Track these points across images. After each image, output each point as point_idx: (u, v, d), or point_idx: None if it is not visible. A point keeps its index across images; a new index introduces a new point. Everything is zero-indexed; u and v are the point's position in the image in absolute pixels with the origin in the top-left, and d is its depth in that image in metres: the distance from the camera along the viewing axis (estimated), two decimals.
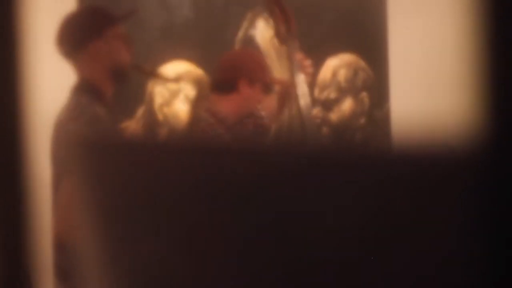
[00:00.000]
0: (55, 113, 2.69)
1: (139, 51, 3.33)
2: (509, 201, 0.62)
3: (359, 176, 0.67)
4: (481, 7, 0.64)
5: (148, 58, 3.52)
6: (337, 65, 4.21)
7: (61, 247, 2.62)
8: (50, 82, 3.04)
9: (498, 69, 0.64)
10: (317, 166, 0.68)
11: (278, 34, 3.32)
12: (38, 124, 0.98)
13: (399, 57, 4.31)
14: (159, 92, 3.72)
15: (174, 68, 3.64)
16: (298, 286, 0.68)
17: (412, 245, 0.66)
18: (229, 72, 3.24)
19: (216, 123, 3.19)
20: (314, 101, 3.90)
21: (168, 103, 3.73)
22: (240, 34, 3.92)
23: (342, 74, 4.22)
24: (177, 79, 2.82)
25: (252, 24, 3.94)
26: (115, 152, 0.82)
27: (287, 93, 3.41)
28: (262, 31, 3.96)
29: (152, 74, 2.83)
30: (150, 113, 3.69)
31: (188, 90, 3.52)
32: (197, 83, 2.81)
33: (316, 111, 3.93)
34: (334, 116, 4.20)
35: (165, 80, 2.87)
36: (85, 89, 2.67)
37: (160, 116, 3.72)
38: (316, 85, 4.07)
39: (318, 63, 3.61)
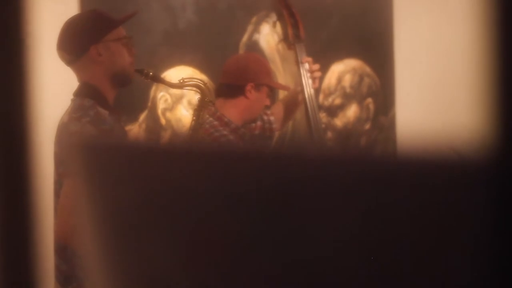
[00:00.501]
0: (58, 117, 2.69)
1: (142, 56, 3.33)
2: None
3: (364, 181, 0.66)
4: (488, 13, 0.64)
5: (152, 62, 3.52)
6: (342, 71, 4.21)
7: (63, 250, 2.62)
8: (54, 87, 3.04)
9: (504, 74, 0.64)
10: (322, 171, 0.68)
11: (286, 38, 3.33)
12: (43, 128, 0.98)
13: (405, 63, 4.31)
14: (162, 97, 3.72)
15: (177, 73, 3.65)
16: None
17: (413, 247, 0.65)
18: (236, 75, 3.24)
19: (221, 126, 3.19)
20: (319, 107, 3.90)
21: (171, 108, 3.74)
22: (245, 38, 3.92)
23: (347, 80, 4.22)
24: (181, 84, 2.81)
25: (256, 29, 3.95)
26: (117, 154, 0.81)
27: (296, 99, 3.41)
28: (267, 36, 3.96)
29: (155, 79, 2.82)
30: (153, 118, 3.70)
31: (191, 96, 3.52)
32: (201, 88, 2.81)
33: (321, 117, 3.93)
34: (339, 122, 4.20)
35: (169, 85, 2.86)
36: (87, 93, 2.67)
37: (163, 121, 3.72)
38: (321, 91, 4.07)
39: (323, 69, 3.61)
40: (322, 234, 0.68)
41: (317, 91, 3.82)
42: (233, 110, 3.23)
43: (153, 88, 3.70)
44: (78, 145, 0.88)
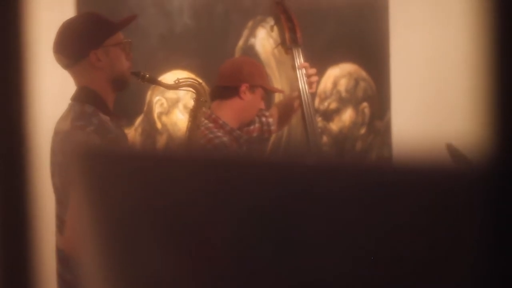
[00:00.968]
0: (55, 120, 2.66)
1: (139, 60, 3.33)
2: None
3: (359, 186, 0.66)
4: (482, 19, 0.64)
5: (148, 66, 3.52)
6: (338, 75, 4.21)
7: (67, 259, 2.58)
8: (52, 90, 3.04)
9: (500, 77, 0.64)
10: (318, 177, 0.68)
11: (283, 42, 3.33)
12: (41, 131, 0.98)
13: (400, 67, 4.31)
14: (158, 101, 3.72)
15: (174, 77, 3.65)
16: None
17: (411, 252, 0.66)
18: (230, 77, 3.25)
19: (215, 128, 3.20)
20: (315, 111, 3.91)
21: (167, 112, 3.74)
22: (240, 43, 3.93)
23: (343, 84, 4.22)
24: (176, 85, 2.80)
25: (252, 33, 3.95)
26: (122, 162, 0.81)
27: (293, 104, 3.42)
28: (262, 41, 3.96)
29: (152, 81, 2.81)
30: (149, 122, 3.70)
31: (187, 100, 3.53)
32: (196, 88, 2.81)
33: (317, 121, 3.93)
34: (334, 126, 4.20)
35: (164, 86, 2.85)
36: (87, 98, 2.62)
37: (159, 125, 3.72)
38: (317, 95, 4.07)
39: (319, 73, 3.62)
40: (318, 240, 0.68)
41: (313, 95, 3.83)
42: (228, 112, 3.24)
43: (149, 92, 3.71)
44: (85, 156, 0.88)
